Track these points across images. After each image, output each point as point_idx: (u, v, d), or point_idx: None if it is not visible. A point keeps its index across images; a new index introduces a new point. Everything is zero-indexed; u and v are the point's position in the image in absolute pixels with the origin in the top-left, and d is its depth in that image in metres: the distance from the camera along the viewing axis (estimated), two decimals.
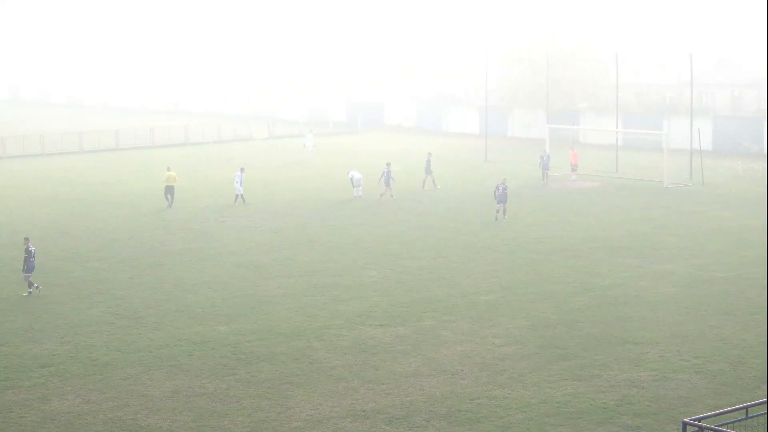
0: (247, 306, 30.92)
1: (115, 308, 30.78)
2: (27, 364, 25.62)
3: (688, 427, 15.24)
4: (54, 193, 54.67)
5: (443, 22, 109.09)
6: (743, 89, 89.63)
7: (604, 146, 71.86)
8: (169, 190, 50.24)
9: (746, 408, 15.93)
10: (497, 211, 45.28)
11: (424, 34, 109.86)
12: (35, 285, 32.67)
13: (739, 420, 15.86)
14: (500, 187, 45.23)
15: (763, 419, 16.30)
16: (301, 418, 21.85)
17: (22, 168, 66.71)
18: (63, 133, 79.87)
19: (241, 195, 50.59)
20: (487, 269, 35.57)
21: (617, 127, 68.96)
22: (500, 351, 26.25)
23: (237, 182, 50.71)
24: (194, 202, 51.13)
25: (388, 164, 53.15)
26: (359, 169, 55.62)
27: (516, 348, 26.46)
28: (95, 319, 29.56)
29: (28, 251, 32.52)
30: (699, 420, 15.38)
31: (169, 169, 51.79)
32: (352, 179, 53.15)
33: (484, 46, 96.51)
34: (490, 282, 33.65)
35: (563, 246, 39.40)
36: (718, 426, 15.30)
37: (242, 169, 52.07)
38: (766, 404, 16.22)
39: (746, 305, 30.31)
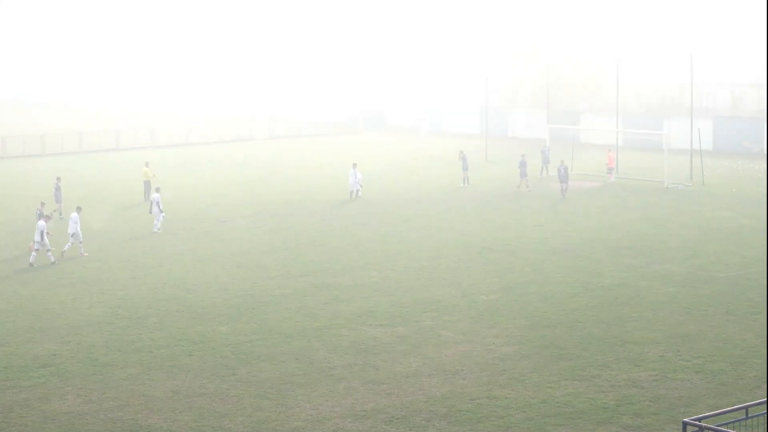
0: (248, 306, 30.93)
1: (116, 308, 30.79)
2: (27, 364, 25.62)
3: (688, 427, 15.25)
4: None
5: (445, 22, 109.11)
6: (743, 89, 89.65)
7: (605, 146, 71.73)
8: (146, 185, 51.50)
9: (746, 408, 15.93)
10: (562, 190, 51.31)
11: (426, 34, 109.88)
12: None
13: (739, 420, 15.87)
14: (561, 169, 51.23)
15: (763, 419, 16.31)
16: (301, 418, 21.85)
17: (22, 168, 66.68)
18: (63, 133, 79.85)
19: (357, 190, 51.93)
20: (487, 269, 35.56)
21: (617, 127, 68.97)
22: (500, 351, 26.24)
23: (352, 178, 52.06)
24: (195, 202, 51.16)
25: (523, 155, 55.68)
26: (360, 169, 55.62)
27: (516, 348, 26.46)
28: (95, 319, 29.57)
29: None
30: (699, 420, 15.39)
31: (146, 165, 52.89)
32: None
33: (485, 46, 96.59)
34: (490, 282, 33.64)
35: (563, 246, 39.39)
36: (718, 426, 15.30)
37: (355, 165, 53.19)
38: (766, 404, 16.22)
39: (747, 305, 30.29)
